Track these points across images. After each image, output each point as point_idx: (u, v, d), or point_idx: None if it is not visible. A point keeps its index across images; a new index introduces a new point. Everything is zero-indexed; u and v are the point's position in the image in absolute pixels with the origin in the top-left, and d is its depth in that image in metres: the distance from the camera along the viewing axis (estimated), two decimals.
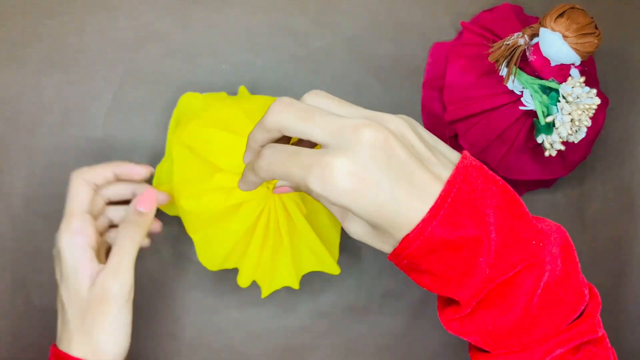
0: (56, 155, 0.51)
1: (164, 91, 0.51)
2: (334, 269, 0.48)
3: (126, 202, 0.45)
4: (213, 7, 0.52)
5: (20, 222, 0.51)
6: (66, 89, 0.51)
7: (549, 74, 0.45)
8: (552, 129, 0.45)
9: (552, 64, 0.45)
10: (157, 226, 0.46)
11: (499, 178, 0.33)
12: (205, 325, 0.52)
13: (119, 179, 0.44)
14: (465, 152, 0.33)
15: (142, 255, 0.49)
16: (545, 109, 0.45)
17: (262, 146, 0.34)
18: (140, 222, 0.42)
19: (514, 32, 0.45)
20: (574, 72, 0.45)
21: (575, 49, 0.43)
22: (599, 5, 0.53)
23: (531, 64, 0.45)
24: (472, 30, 0.50)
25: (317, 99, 0.33)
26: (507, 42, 0.45)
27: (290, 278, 0.48)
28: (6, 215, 0.50)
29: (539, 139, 0.46)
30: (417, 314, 0.53)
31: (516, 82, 0.46)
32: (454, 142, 0.52)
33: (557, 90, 0.45)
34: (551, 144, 0.45)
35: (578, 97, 0.44)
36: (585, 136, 0.48)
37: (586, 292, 0.35)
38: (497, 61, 0.46)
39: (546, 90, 0.45)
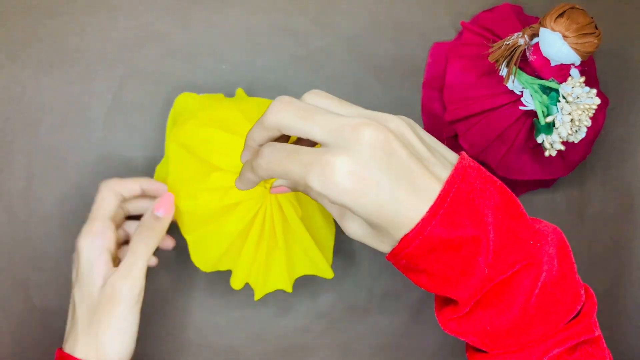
0: (56, 155, 0.51)
1: (163, 91, 0.51)
2: (327, 272, 0.48)
3: None
4: (213, 7, 0.52)
5: (20, 222, 0.51)
6: (66, 89, 0.51)
7: (549, 74, 0.45)
8: (552, 129, 0.45)
9: (552, 64, 0.45)
10: (169, 243, 0.47)
11: (496, 179, 0.33)
12: (206, 325, 0.52)
13: (144, 195, 0.45)
14: (463, 153, 0.33)
15: None
16: (545, 109, 0.45)
17: (261, 145, 0.34)
18: (156, 226, 0.42)
19: (514, 32, 0.45)
20: (574, 72, 0.45)
21: (575, 49, 0.43)
22: (599, 5, 0.53)
23: (531, 64, 0.45)
24: (472, 30, 0.50)
25: (316, 98, 0.33)
26: (507, 42, 0.45)
27: (283, 281, 0.48)
28: (6, 215, 0.50)
29: (539, 139, 0.46)
30: (416, 314, 0.53)
31: (516, 82, 0.46)
32: (454, 142, 0.52)
33: (557, 90, 0.45)
34: (551, 144, 0.45)
35: (578, 97, 0.44)
36: (585, 136, 0.48)
37: (582, 292, 0.35)
38: (497, 61, 0.46)
39: (546, 90, 0.45)
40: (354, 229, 0.34)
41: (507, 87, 0.47)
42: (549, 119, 0.44)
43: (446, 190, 0.31)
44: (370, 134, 0.30)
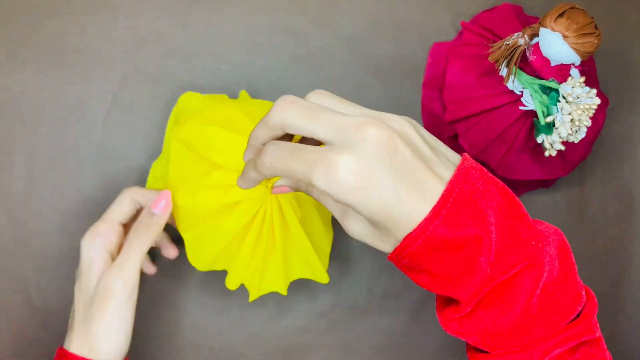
0: (56, 155, 0.51)
1: (163, 91, 0.51)
2: (323, 277, 0.48)
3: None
4: (213, 7, 0.52)
5: (20, 222, 0.51)
6: (66, 89, 0.51)
7: (549, 74, 0.45)
8: (552, 129, 0.45)
9: (552, 64, 0.45)
10: (171, 252, 0.47)
11: (498, 180, 0.33)
12: (206, 325, 0.52)
13: None
14: (466, 154, 0.33)
15: None
16: (545, 109, 0.45)
17: (264, 144, 0.34)
18: (151, 224, 0.42)
19: (514, 32, 0.45)
20: (574, 72, 0.45)
21: (575, 49, 0.43)
22: (599, 5, 0.53)
23: (531, 64, 0.45)
24: (472, 30, 0.50)
25: (320, 98, 0.33)
26: (507, 42, 0.45)
27: (279, 283, 0.48)
28: (6, 215, 0.50)
29: (539, 139, 0.46)
30: (416, 314, 0.53)
31: (516, 82, 0.46)
32: (454, 142, 0.52)
33: (557, 90, 0.45)
34: (551, 144, 0.45)
35: (578, 97, 0.44)
36: (585, 136, 0.48)
37: (583, 293, 0.35)
38: (497, 61, 0.46)
39: (546, 90, 0.45)
40: (356, 229, 0.34)
41: (507, 87, 0.47)
42: (549, 119, 0.44)
43: (449, 190, 0.31)
44: (374, 133, 0.30)
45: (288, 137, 0.34)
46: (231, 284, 0.47)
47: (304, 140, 0.36)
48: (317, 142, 0.35)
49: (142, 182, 0.51)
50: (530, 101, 0.46)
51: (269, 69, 0.52)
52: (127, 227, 0.45)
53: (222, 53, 0.52)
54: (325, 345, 0.53)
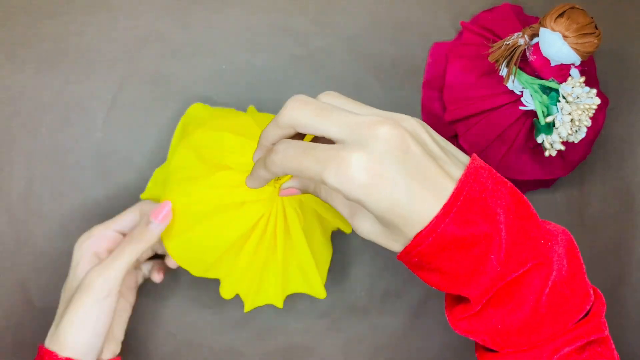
0: (56, 155, 0.51)
1: (163, 91, 0.51)
2: (320, 292, 0.47)
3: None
4: (213, 7, 0.52)
5: (20, 222, 0.51)
6: (66, 89, 0.51)
7: (549, 74, 0.45)
8: (552, 129, 0.45)
9: (552, 64, 0.45)
10: (157, 277, 0.48)
11: (507, 180, 0.33)
12: (206, 325, 0.52)
13: None
14: (475, 155, 0.33)
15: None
16: (545, 109, 0.45)
17: (274, 144, 0.34)
18: (146, 233, 0.42)
19: (514, 32, 0.45)
20: (574, 72, 0.45)
21: (575, 49, 0.43)
22: (599, 5, 0.53)
23: (531, 64, 0.45)
24: (472, 30, 0.50)
25: (331, 98, 0.33)
26: (507, 42, 0.45)
27: (275, 296, 0.47)
28: (6, 215, 0.50)
29: (539, 139, 0.46)
30: (417, 314, 0.53)
31: (516, 82, 0.46)
32: (454, 142, 0.52)
33: (557, 90, 0.45)
34: (551, 144, 0.45)
35: (578, 97, 0.44)
36: (585, 136, 0.48)
37: (591, 292, 0.35)
38: (497, 61, 0.46)
39: (546, 90, 0.45)
40: (366, 227, 0.35)
41: (507, 87, 0.47)
42: (549, 119, 0.44)
43: (459, 188, 0.31)
44: (386, 132, 0.30)
45: (299, 136, 0.34)
46: (226, 293, 0.46)
47: (315, 140, 0.36)
48: (328, 143, 0.35)
49: (141, 182, 0.51)
50: (530, 101, 0.46)
51: (269, 69, 0.52)
52: None
53: (222, 53, 0.52)
54: (325, 345, 0.53)
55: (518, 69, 0.45)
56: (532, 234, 0.33)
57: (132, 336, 0.51)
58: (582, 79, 0.44)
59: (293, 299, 0.52)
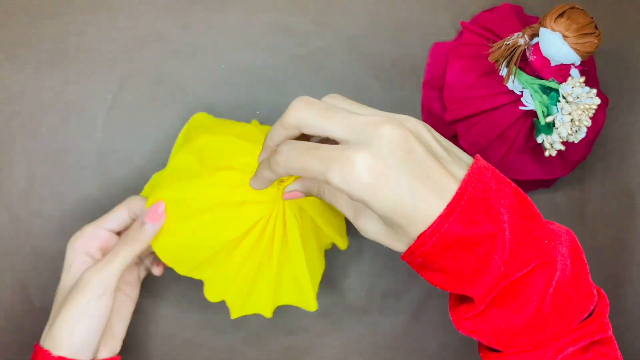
0: (56, 155, 0.51)
1: (163, 91, 0.51)
2: (311, 305, 0.46)
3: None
4: (213, 7, 0.52)
5: (20, 222, 0.51)
6: (66, 89, 0.51)
7: (549, 74, 0.45)
8: (552, 129, 0.45)
9: (552, 64, 0.45)
10: (157, 270, 0.47)
11: (510, 181, 0.34)
12: (206, 325, 0.52)
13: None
14: (478, 155, 0.34)
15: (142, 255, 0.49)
16: (545, 109, 0.45)
17: (279, 145, 0.34)
18: (140, 234, 0.42)
19: (514, 32, 0.45)
20: (574, 72, 0.45)
21: (575, 49, 0.43)
22: (599, 5, 0.53)
23: (531, 64, 0.45)
24: (472, 30, 0.50)
25: (335, 100, 0.34)
26: (507, 42, 0.45)
27: (265, 306, 0.46)
28: (6, 215, 0.50)
29: (539, 139, 0.46)
30: (417, 314, 0.53)
31: (516, 82, 0.46)
32: (454, 142, 0.52)
33: (557, 90, 0.45)
34: (551, 144, 0.45)
35: (578, 97, 0.44)
36: (585, 136, 0.48)
37: (595, 292, 0.35)
38: (497, 61, 0.46)
39: (546, 90, 0.45)
40: (370, 228, 0.35)
41: (507, 87, 0.47)
42: (549, 119, 0.44)
43: (463, 188, 0.31)
44: (389, 132, 0.30)
45: (304, 138, 0.35)
46: (212, 295, 0.45)
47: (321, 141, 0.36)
48: (332, 143, 0.36)
49: (141, 182, 0.51)
50: (530, 101, 0.46)
51: (269, 69, 0.52)
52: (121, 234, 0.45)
53: (222, 53, 0.52)
54: (325, 345, 0.53)
55: (518, 69, 0.45)
56: (536, 233, 0.33)
57: (132, 336, 0.51)
58: (582, 79, 0.44)
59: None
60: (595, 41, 0.43)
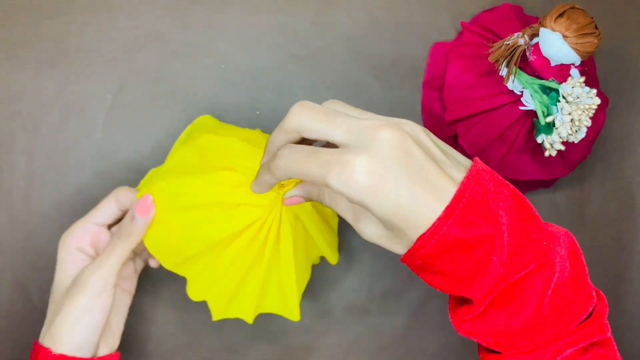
0: (56, 155, 0.51)
1: (163, 91, 0.51)
2: (295, 314, 0.45)
3: None
4: (213, 7, 0.52)
5: (20, 222, 0.51)
6: (66, 89, 0.51)
7: (549, 74, 0.45)
8: (552, 129, 0.45)
9: (552, 64, 0.45)
10: (153, 262, 0.47)
11: (509, 183, 0.34)
12: (205, 325, 0.52)
13: None
14: (477, 158, 0.34)
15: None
16: (545, 109, 0.45)
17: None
18: (132, 228, 0.42)
19: (514, 32, 0.45)
20: (574, 72, 0.45)
21: (575, 49, 0.43)
22: (599, 5, 0.53)
23: (531, 64, 0.45)
24: (472, 30, 0.50)
25: (335, 105, 0.34)
26: (507, 42, 0.45)
27: (247, 311, 0.45)
28: (6, 215, 0.50)
29: (539, 139, 0.46)
30: (417, 314, 0.53)
31: (516, 82, 0.46)
32: (454, 142, 0.52)
33: (557, 90, 0.45)
34: (551, 144, 0.45)
35: (578, 97, 0.44)
36: (585, 136, 0.48)
37: (594, 293, 0.35)
38: (497, 61, 0.46)
39: (546, 90, 0.45)
40: (370, 231, 0.35)
41: (507, 87, 0.47)
42: (549, 119, 0.44)
43: (461, 190, 0.31)
44: (388, 135, 0.31)
45: (305, 143, 0.35)
46: (195, 294, 0.44)
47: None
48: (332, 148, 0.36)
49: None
50: (530, 101, 0.46)
51: (269, 69, 0.52)
52: (112, 226, 0.45)
53: (222, 53, 0.52)
54: (325, 345, 0.53)
55: (518, 69, 0.45)
56: (534, 235, 0.33)
57: (132, 336, 0.51)
58: (582, 79, 0.44)
59: None
60: (595, 41, 0.43)
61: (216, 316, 0.45)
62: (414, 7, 0.53)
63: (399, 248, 0.34)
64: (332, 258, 0.48)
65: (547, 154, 0.45)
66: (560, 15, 0.43)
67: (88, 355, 0.41)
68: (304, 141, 0.34)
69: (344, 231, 0.52)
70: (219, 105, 0.51)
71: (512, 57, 0.45)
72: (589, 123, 0.44)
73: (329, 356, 0.53)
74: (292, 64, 0.52)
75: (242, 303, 0.45)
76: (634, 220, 0.54)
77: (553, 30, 0.43)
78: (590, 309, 0.35)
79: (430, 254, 0.32)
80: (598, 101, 0.44)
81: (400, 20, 0.53)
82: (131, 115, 0.51)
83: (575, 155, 0.50)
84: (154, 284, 0.51)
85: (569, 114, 0.44)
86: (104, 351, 0.43)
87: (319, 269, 0.52)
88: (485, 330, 0.35)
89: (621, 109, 0.54)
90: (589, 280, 0.35)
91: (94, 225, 0.43)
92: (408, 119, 0.33)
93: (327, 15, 0.52)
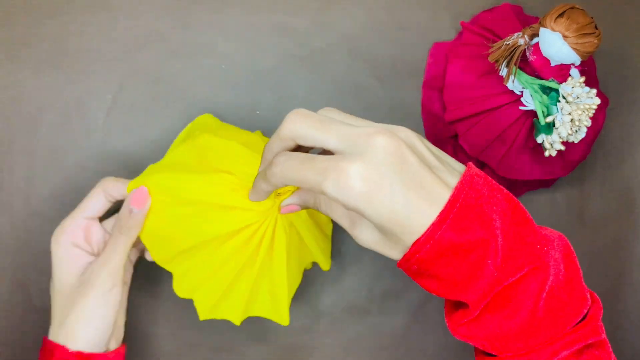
0: (56, 155, 0.51)
1: (163, 91, 0.51)
2: (284, 319, 0.45)
3: None
4: (213, 7, 0.52)
5: (20, 222, 0.51)
6: (66, 89, 0.51)
7: (549, 74, 0.45)
8: (552, 129, 0.45)
9: (552, 64, 0.45)
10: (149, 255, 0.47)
11: (502, 187, 0.34)
12: (206, 325, 0.52)
13: None
14: (470, 163, 0.34)
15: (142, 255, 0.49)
16: (545, 109, 0.45)
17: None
18: (131, 220, 0.42)
19: (514, 32, 0.45)
20: (574, 72, 0.45)
21: (575, 49, 0.43)
22: (599, 5, 0.53)
23: (531, 64, 0.45)
24: (472, 30, 0.50)
25: (330, 112, 0.35)
26: (507, 42, 0.45)
27: (235, 313, 0.45)
28: (6, 215, 0.50)
29: (539, 139, 0.46)
30: (417, 314, 0.53)
31: (516, 82, 0.46)
32: (454, 142, 0.52)
33: (557, 90, 0.45)
34: (551, 144, 0.45)
35: (578, 97, 0.44)
36: (585, 136, 0.48)
37: (588, 296, 0.35)
38: (497, 61, 0.46)
39: (546, 90, 0.45)
40: (366, 236, 0.35)
41: (507, 87, 0.47)
42: (549, 119, 0.44)
43: (455, 195, 0.32)
44: (383, 141, 0.31)
45: (302, 150, 0.35)
46: (181, 290, 0.44)
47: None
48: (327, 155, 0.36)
49: None
50: (530, 101, 0.46)
51: (269, 69, 0.52)
52: (103, 219, 0.45)
53: (222, 53, 0.52)
54: (325, 345, 0.53)
55: (518, 69, 0.45)
56: (528, 239, 0.34)
57: (132, 336, 0.51)
58: (582, 79, 0.44)
59: (293, 300, 0.52)
60: (595, 41, 0.43)
61: (203, 316, 0.45)
62: (414, 7, 0.53)
63: (395, 253, 0.34)
64: (325, 265, 0.48)
65: (547, 154, 0.45)
66: (560, 15, 0.43)
67: (102, 350, 0.42)
68: (300, 148, 0.35)
69: (345, 231, 0.52)
70: (218, 105, 0.52)
71: (512, 57, 0.45)
72: (589, 123, 0.44)
73: (329, 356, 0.53)
74: (292, 64, 0.52)
75: (231, 305, 0.45)
76: (634, 220, 0.54)
77: (553, 30, 0.43)
78: (585, 311, 0.35)
79: (425, 258, 0.32)
80: (598, 101, 0.44)
81: (400, 20, 0.53)
82: (131, 115, 0.51)
83: (575, 155, 0.50)
84: (154, 284, 0.51)
85: (569, 114, 0.44)
86: (113, 345, 0.44)
87: (319, 269, 0.52)
88: (481, 333, 0.35)
89: (621, 109, 0.54)
90: (583, 283, 0.36)
91: (85, 219, 0.44)
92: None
93: (327, 15, 0.52)
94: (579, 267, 0.36)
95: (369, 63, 0.53)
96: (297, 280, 0.48)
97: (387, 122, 0.49)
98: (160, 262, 0.43)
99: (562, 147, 0.45)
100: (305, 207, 0.39)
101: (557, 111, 0.44)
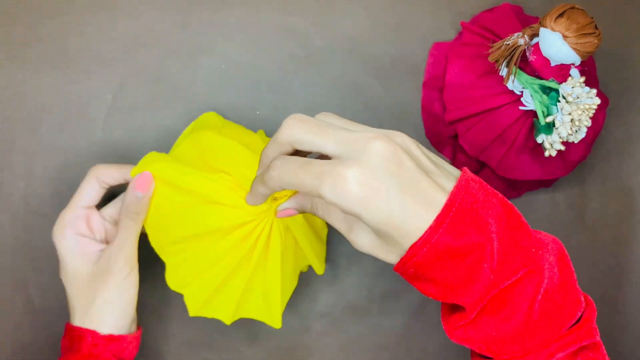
0: (56, 155, 0.51)
1: (163, 91, 0.51)
2: (276, 322, 0.45)
3: None
4: (213, 7, 0.52)
5: (20, 222, 0.51)
6: (66, 89, 0.51)
7: (549, 74, 0.45)
8: (552, 129, 0.45)
9: (552, 64, 0.45)
10: None
11: (497, 192, 0.35)
12: (206, 325, 0.52)
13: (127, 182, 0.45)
14: (466, 168, 0.35)
15: (143, 254, 0.49)
16: (545, 109, 0.45)
17: None
18: (138, 204, 0.43)
19: (514, 32, 0.45)
20: (574, 72, 0.45)
21: (575, 49, 0.43)
22: (599, 5, 0.53)
23: (531, 64, 0.45)
24: (472, 30, 0.50)
25: (327, 117, 0.35)
26: (507, 42, 0.45)
27: (226, 313, 0.45)
28: (6, 215, 0.50)
29: (539, 139, 0.46)
30: (417, 314, 0.53)
31: (516, 82, 0.46)
32: (454, 142, 0.52)
33: (557, 90, 0.45)
34: (551, 144, 0.45)
35: (578, 97, 0.44)
36: (585, 136, 0.48)
37: (582, 299, 0.36)
38: (497, 61, 0.46)
39: (546, 90, 0.45)
40: (363, 241, 0.35)
41: (507, 87, 0.47)
42: (549, 119, 0.44)
43: (451, 199, 0.32)
44: (380, 146, 0.31)
45: (300, 155, 0.35)
46: (172, 282, 0.44)
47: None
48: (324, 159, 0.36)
49: None
50: (530, 101, 0.46)
51: (269, 69, 0.52)
52: (99, 207, 0.46)
53: (222, 53, 0.52)
54: (325, 345, 0.53)
55: (518, 69, 0.45)
56: (523, 243, 0.34)
57: None
58: (582, 79, 0.44)
59: (293, 300, 0.52)
60: (595, 41, 0.43)
61: (193, 312, 0.45)
62: (414, 7, 0.53)
63: (392, 257, 0.34)
64: (319, 268, 0.48)
65: (547, 154, 0.45)
66: (560, 15, 0.43)
67: (129, 331, 0.44)
68: (297, 153, 0.35)
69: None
70: (218, 105, 0.52)
71: (512, 57, 0.45)
72: (589, 123, 0.44)
73: (329, 356, 0.53)
74: (292, 64, 0.52)
75: (222, 304, 0.45)
76: (634, 220, 0.54)
77: (553, 30, 0.43)
78: (579, 314, 0.35)
79: (422, 262, 0.33)
80: (598, 101, 0.44)
81: (400, 20, 0.53)
82: (131, 115, 0.51)
83: (575, 155, 0.50)
84: (154, 283, 0.51)
85: (569, 114, 0.44)
86: (134, 327, 0.45)
87: None
88: (477, 336, 0.35)
89: (621, 109, 0.54)
90: (578, 286, 0.36)
91: (82, 208, 0.44)
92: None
93: (327, 15, 0.52)
94: (573, 270, 0.36)
95: (369, 63, 0.53)
96: (293, 283, 0.48)
97: (387, 122, 0.49)
98: (157, 248, 0.44)
99: (562, 147, 0.45)
100: (302, 211, 0.39)
101: (557, 111, 0.44)
